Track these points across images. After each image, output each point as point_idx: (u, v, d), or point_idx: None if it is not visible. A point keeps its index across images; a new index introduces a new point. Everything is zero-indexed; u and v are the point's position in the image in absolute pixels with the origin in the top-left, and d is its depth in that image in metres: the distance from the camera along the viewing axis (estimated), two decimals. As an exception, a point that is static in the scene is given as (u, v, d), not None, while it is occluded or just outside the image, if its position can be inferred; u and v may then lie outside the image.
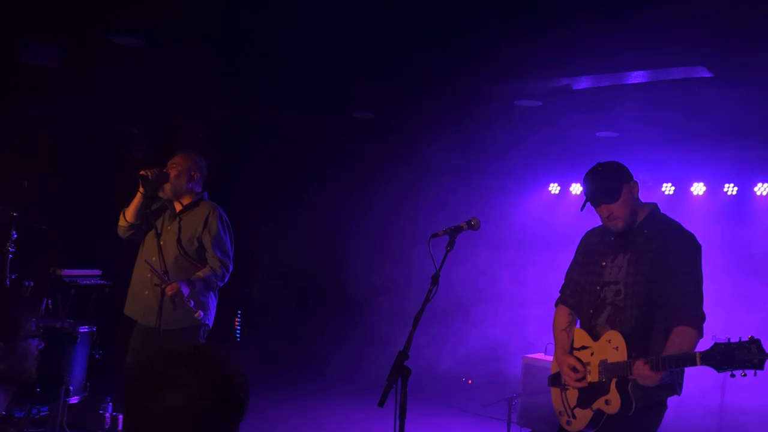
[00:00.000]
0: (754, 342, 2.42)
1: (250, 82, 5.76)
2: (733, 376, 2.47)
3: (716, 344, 2.51)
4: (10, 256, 4.53)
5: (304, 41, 4.62)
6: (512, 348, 6.33)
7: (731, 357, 2.44)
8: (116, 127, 6.39)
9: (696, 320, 2.81)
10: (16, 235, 4.56)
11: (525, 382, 5.20)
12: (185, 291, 3.85)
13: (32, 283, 4.53)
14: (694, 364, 2.56)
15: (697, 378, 2.94)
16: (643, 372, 2.66)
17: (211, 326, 4.14)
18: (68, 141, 6.10)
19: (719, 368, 2.48)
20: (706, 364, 2.52)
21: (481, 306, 6.95)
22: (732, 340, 2.47)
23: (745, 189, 6.36)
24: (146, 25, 4.57)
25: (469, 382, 7.18)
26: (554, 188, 7.55)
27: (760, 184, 6.27)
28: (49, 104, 5.88)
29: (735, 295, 5.33)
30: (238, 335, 8.15)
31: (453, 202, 6.72)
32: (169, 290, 3.79)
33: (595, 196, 2.99)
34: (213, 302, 4.15)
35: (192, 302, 3.90)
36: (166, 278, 3.81)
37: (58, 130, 5.96)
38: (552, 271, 4.70)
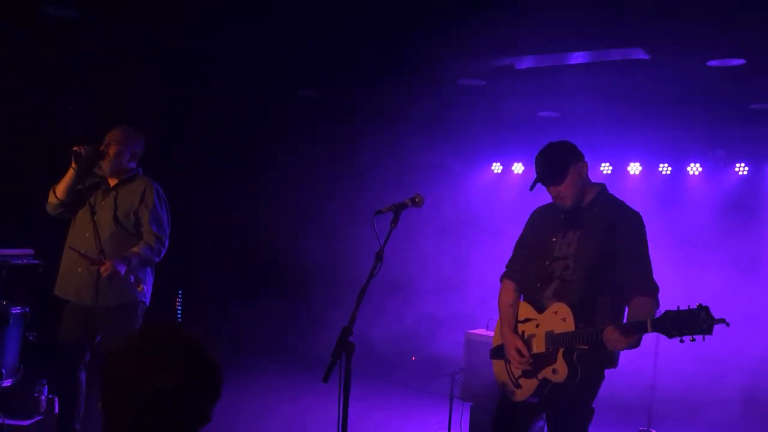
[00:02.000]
0: (703, 309, 2.54)
1: (190, 57, 5.61)
2: (682, 341, 2.58)
3: (667, 311, 2.63)
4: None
5: (247, 12, 4.52)
6: (455, 325, 6.43)
7: (681, 323, 2.56)
8: (51, 103, 6.12)
9: (651, 290, 2.95)
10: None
11: (467, 357, 5.30)
12: (121, 269, 3.76)
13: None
14: (645, 330, 2.67)
15: (631, 352, 3.05)
16: (613, 336, 2.74)
17: (148, 304, 4.07)
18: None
19: (670, 334, 2.59)
20: (657, 331, 2.63)
21: (424, 284, 7.03)
22: (681, 308, 2.58)
23: (679, 169, 6.61)
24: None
25: (413, 359, 7.27)
26: (497, 167, 7.66)
27: (692, 164, 6.53)
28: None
29: (670, 267, 5.53)
30: (179, 315, 8.02)
31: (397, 181, 6.74)
32: (104, 270, 3.70)
33: (543, 177, 3.09)
34: (150, 279, 4.07)
35: (132, 277, 3.83)
36: (102, 257, 3.71)
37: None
38: (494, 249, 4.79)
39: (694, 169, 6.51)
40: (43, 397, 4.90)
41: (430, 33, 4.58)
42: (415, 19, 4.36)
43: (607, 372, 3.06)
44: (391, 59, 5.23)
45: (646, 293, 2.93)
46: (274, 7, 4.33)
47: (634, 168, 6.77)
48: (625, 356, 3.10)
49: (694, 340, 2.56)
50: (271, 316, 7.36)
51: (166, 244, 4.06)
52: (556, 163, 3.05)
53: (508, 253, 3.40)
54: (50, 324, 4.05)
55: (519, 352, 3.09)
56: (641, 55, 4.63)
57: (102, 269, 3.70)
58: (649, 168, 6.73)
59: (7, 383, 4.69)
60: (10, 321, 4.58)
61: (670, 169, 6.64)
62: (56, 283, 4.03)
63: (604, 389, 3.07)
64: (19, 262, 5.03)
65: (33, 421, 4.78)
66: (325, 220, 7.33)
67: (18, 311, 4.76)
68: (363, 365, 3.53)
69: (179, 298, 7.98)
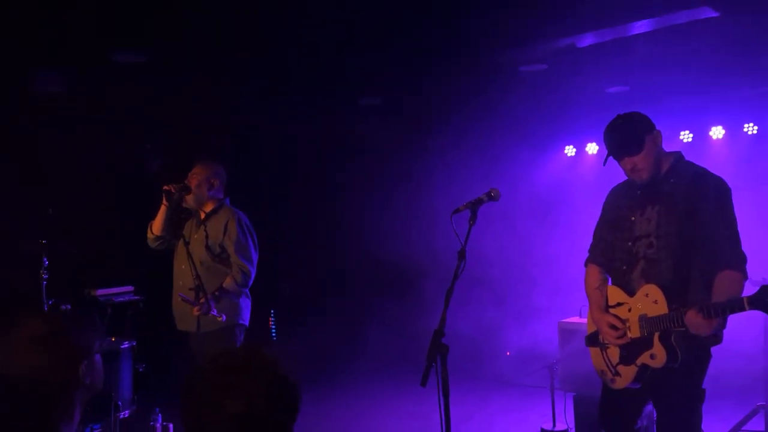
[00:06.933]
0: None
1: (254, 87, 5.79)
2: None
3: (764, 287, 2.48)
4: (45, 282, 4.62)
5: (300, 26, 4.60)
6: (545, 315, 6.31)
7: None
8: (132, 145, 6.46)
9: (738, 263, 2.78)
10: (47, 262, 4.65)
11: (563, 346, 5.20)
12: (213, 310, 4.00)
13: (69, 307, 4.62)
14: (742, 309, 2.52)
15: (738, 324, 2.90)
16: (696, 320, 2.62)
17: (247, 325, 4.29)
18: (86, 164, 6.19)
19: None
20: (754, 308, 2.49)
21: (509, 277, 6.92)
22: None
23: (767, 126, 6.24)
24: (146, 40, 4.61)
25: (508, 354, 7.18)
26: (570, 150, 7.48)
27: (781, 119, 6.16)
28: (62, 131, 5.95)
29: (761, 234, 5.23)
30: (273, 334, 8.23)
31: (468, 178, 6.68)
32: (196, 312, 3.98)
33: (616, 149, 2.95)
34: (245, 302, 4.28)
35: (215, 311, 4.03)
36: (200, 288, 3.93)
37: (75, 154, 6.05)
38: (577, 233, 4.65)
39: (783, 124, 6.14)
40: (158, 425, 5.14)
41: (485, 21, 4.53)
42: (469, 9, 4.32)
43: (716, 348, 2.91)
44: (449, 55, 5.20)
45: (731, 266, 2.76)
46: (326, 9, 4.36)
47: (717, 132, 6.45)
48: (734, 329, 2.95)
49: None
50: (359, 322, 7.43)
51: (252, 273, 4.25)
52: (630, 133, 2.91)
53: (590, 238, 3.31)
54: (157, 354, 4.28)
55: (613, 326, 2.98)
56: (709, 13, 4.42)
57: (195, 311, 3.98)
58: (733, 130, 6.40)
59: (124, 414, 4.96)
60: (121, 355, 4.84)
61: (756, 128, 6.29)
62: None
63: (714, 367, 2.93)
64: (122, 299, 5.33)
65: (151, 448, 5.03)
66: (401, 223, 7.32)
67: (126, 346, 5.03)
68: (456, 364, 3.52)
69: (272, 317, 8.19)
